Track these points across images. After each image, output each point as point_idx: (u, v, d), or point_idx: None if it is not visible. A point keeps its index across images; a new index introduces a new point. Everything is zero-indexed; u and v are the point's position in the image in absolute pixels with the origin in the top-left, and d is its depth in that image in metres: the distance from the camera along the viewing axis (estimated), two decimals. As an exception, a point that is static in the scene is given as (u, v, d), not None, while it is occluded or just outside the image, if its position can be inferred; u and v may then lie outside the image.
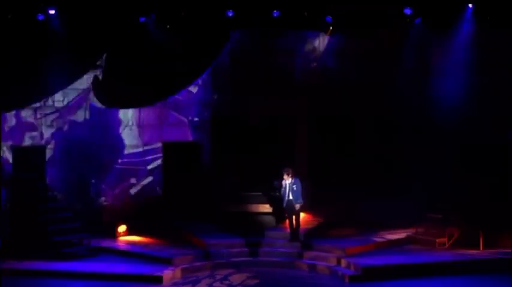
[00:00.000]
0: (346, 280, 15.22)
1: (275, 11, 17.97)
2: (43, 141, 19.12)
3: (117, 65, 18.74)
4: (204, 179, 19.59)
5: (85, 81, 19.19)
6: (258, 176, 18.47)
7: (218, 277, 15.56)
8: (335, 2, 18.01)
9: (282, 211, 17.54)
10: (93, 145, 19.27)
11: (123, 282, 15.05)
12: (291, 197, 16.99)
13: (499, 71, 18.28)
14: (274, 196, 17.94)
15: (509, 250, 16.21)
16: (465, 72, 18.04)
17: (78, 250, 16.82)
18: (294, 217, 17.02)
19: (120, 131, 19.61)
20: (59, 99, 19.01)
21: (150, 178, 19.66)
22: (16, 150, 18.21)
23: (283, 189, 17.12)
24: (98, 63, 19.06)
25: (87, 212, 18.70)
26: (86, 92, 19.28)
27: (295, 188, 16.97)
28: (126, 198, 19.46)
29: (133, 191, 19.55)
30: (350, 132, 20.42)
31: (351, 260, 15.78)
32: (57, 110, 19.23)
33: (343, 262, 15.90)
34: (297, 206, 16.96)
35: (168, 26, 18.29)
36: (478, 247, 16.60)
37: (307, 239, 17.13)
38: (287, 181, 17.01)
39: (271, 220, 18.29)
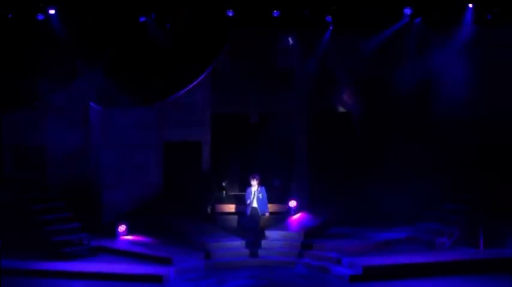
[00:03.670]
0: (346, 280, 15.23)
1: (275, 11, 17.98)
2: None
3: (116, 65, 18.72)
4: (203, 179, 19.58)
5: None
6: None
7: (218, 277, 15.57)
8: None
9: (242, 216, 17.51)
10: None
11: (123, 282, 15.08)
12: (255, 205, 16.88)
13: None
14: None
15: (509, 250, 16.22)
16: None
17: (78, 250, 16.84)
18: (256, 225, 16.93)
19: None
20: (59, 99, 18.96)
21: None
22: (16, 150, 18.18)
23: (248, 195, 16.98)
24: (97, 63, 19.05)
25: (87, 212, 18.69)
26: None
27: (261, 197, 16.88)
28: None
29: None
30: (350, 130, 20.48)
31: (351, 260, 15.79)
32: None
33: (343, 262, 15.91)
34: (267, 214, 17.05)
35: (168, 26, 18.28)
36: (478, 247, 16.60)
37: (307, 239, 17.13)
38: (253, 187, 16.91)
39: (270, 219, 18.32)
